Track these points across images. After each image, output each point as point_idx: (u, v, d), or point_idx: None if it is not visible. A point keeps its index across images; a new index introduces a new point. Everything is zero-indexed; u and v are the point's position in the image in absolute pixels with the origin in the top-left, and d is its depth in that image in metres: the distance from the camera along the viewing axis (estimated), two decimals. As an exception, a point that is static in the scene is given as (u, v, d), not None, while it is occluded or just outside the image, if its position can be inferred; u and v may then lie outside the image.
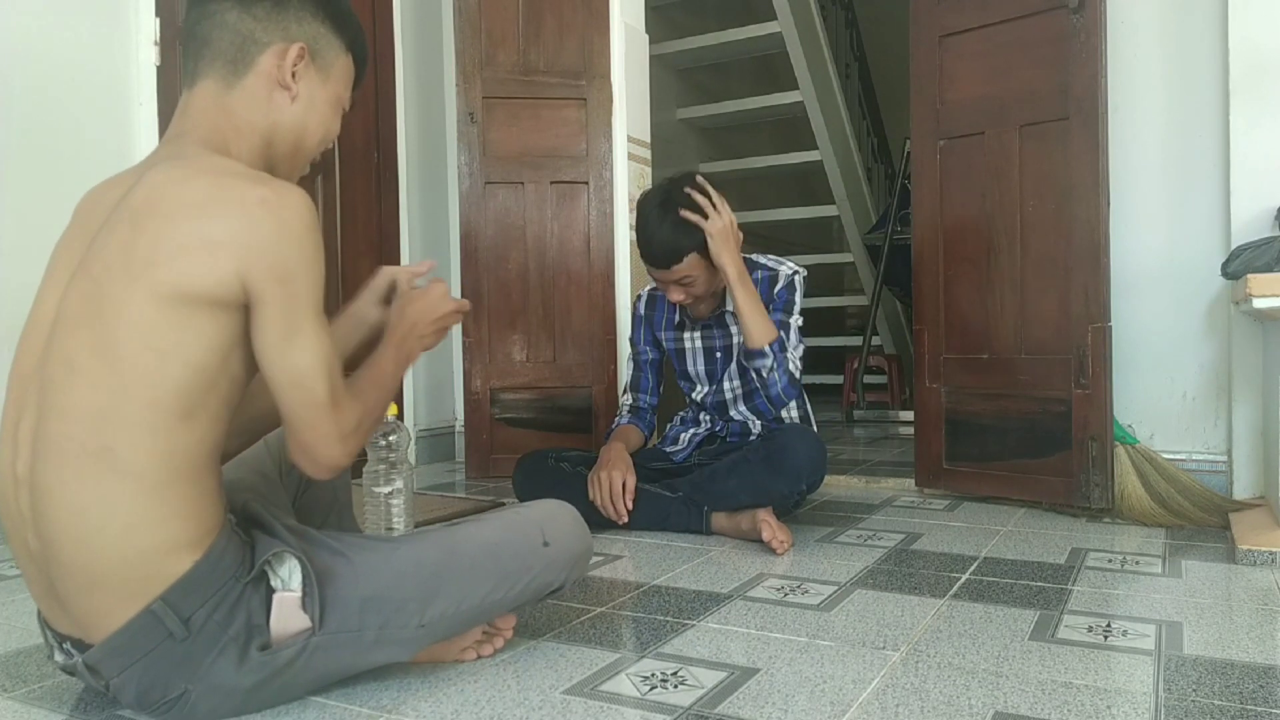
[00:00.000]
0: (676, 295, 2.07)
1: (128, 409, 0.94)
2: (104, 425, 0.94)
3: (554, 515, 1.27)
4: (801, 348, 2.13)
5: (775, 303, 2.13)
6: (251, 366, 1.02)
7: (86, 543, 0.95)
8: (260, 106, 1.09)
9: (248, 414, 1.18)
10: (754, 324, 1.99)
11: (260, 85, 1.09)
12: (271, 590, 1.03)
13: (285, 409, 1.00)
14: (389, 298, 1.32)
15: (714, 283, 2.08)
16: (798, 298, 2.14)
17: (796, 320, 2.13)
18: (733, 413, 2.22)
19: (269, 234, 0.96)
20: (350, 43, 1.16)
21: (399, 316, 1.22)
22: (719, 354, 2.21)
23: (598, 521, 1.98)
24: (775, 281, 2.14)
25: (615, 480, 2.03)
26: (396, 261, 3.17)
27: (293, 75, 1.10)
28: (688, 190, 2.00)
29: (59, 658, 1.05)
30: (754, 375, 2.04)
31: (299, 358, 0.98)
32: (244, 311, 0.98)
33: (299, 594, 1.03)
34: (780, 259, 2.20)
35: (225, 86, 1.08)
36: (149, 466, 0.95)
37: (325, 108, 1.15)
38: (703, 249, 2.00)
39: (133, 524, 0.95)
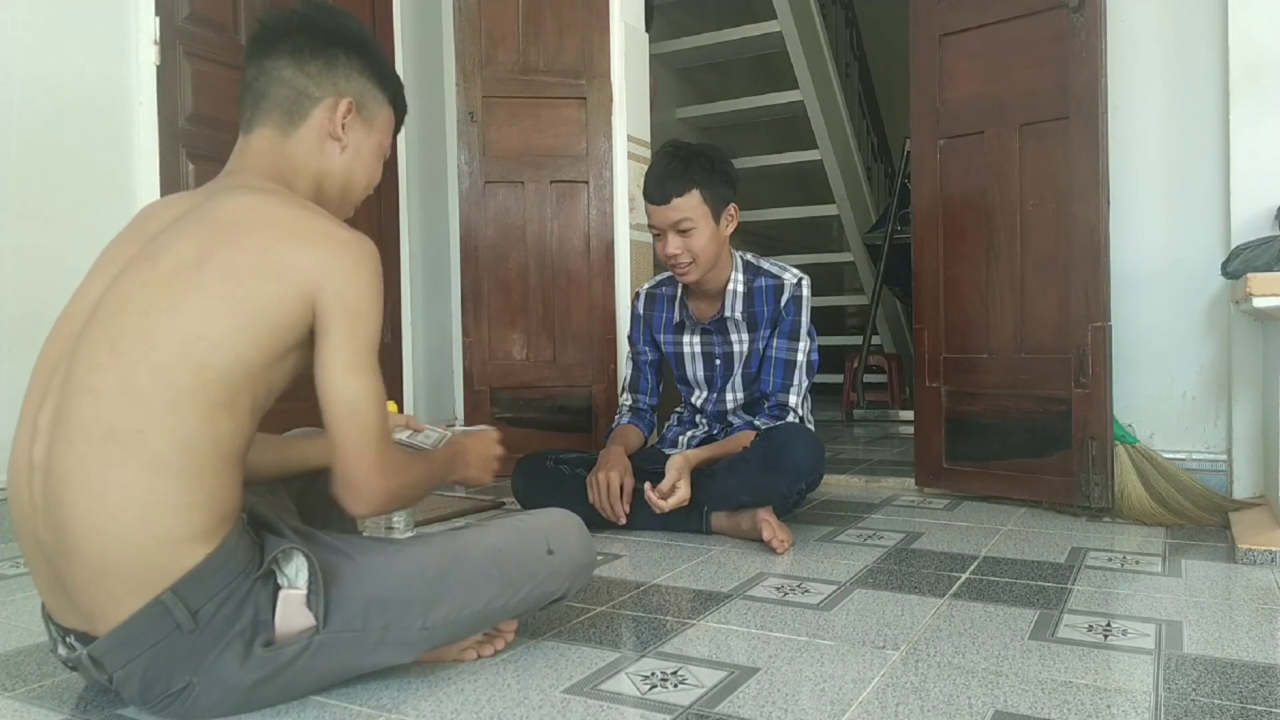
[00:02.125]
0: (674, 247, 2.02)
1: (164, 394, 0.96)
2: (136, 407, 0.95)
3: (559, 524, 1.28)
4: (808, 381, 2.12)
5: (781, 322, 2.10)
6: (284, 382, 1.07)
7: (101, 529, 0.95)
8: (313, 154, 1.19)
9: (283, 460, 1.29)
10: (735, 454, 2.01)
11: (313, 135, 1.18)
12: (278, 587, 1.04)
13: (337, 437, 1.04)
14: None
15: (715, 251, 2.05)
16: (804, 318, 2.11)
17: (805, 350, 2.10)
18: (732, 419, 2.22)
19: (348, 271, 1.04)
20: (393, 97, 1.27)
21: (457, 445, 1.34)
22: (719, 360, 2.20)
23: (598, 522, 1.98)
24: (780, 292, 2.11)
25: (613, 482, 2.03)
26: (396, 261, 3.18)
27: (342, 127, 1.19)
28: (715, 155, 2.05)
29: (62, 651, 1.06)
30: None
31: (358, 386, 1.04)
32: (302, 332, 1.04)
33: (304, 592, 1.04)
34: (783, 265, 2.17)
35: (282, 135, 1.18)
36: (176, 453, 0.96)
37: (370, 156, 1.25)
38: (707, 193, 2.00)
39: (150, 511, 0.96)
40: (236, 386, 1.00)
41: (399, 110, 1.29)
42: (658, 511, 1.94)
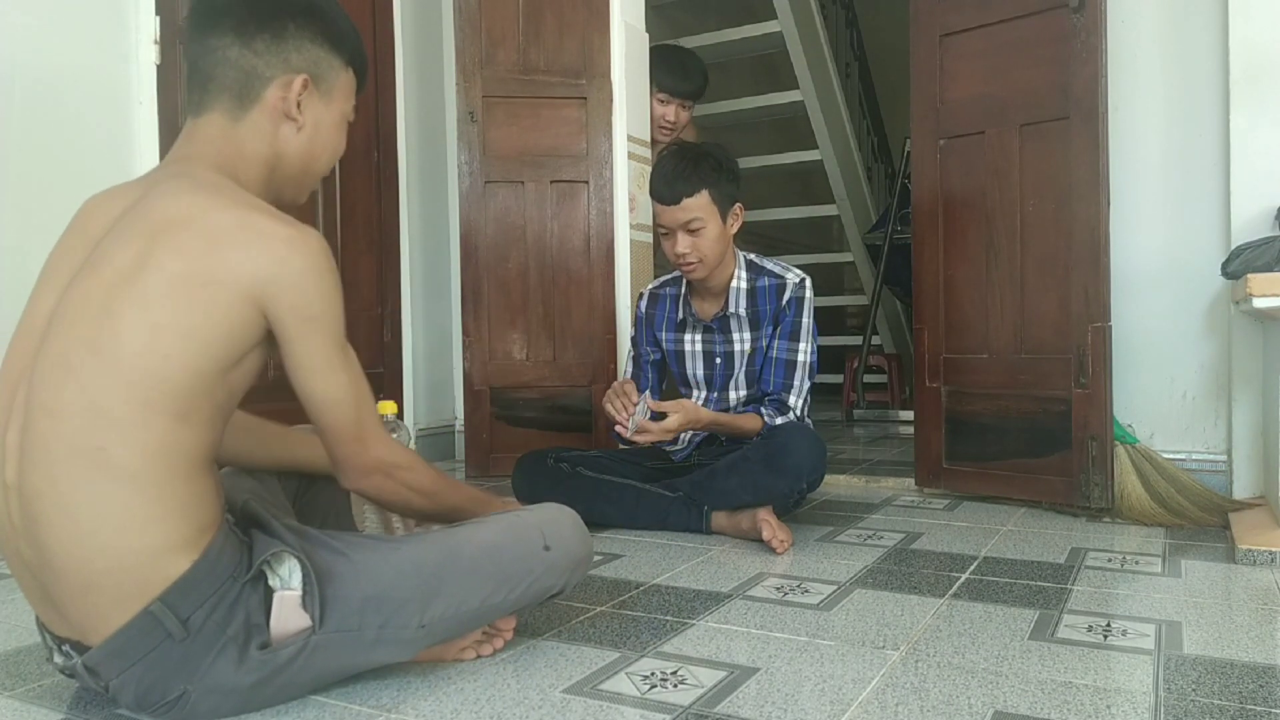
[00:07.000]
0: (683, 246, 2.04)
1: (122, 408, 0.94)
2: (96, 423, 0.94)
3: (555, 519, 1.27)
4: (810, 384, 2.13)
5: (783, 322, 2.11)
6: (250, 381, 1.05)
7: (80, 545, 0.94)
8: (267, 138, 1.12)
9: (274, 456, 1.29)
10: (739, 432, 2.07)
11: (266, 118, 1.12)
12: (270, 590, 1.03)
13: (321, 425, 1.07)
14: None
15: (721, 250, 2.07)
16: (806, 319, 2.12)
17: (806, 351, 2.11)
18: (736, 417, 2.22)
19: (295, 272, 1.00)
20: (350, 57, 1.18)
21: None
22: (719, 359, 2.20)
23: (598, 524, 1.98)
24: (782, 290, 2.12)
25: (617, 389, 2.03)
26: (396, 261, 3.18)
27: (298, 106, 1.12)
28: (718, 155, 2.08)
29: (58, 660, 1.05)
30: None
31: (333, 384, 1.05)
32: (256, 334, 1.01)
33: (299, 592, 1.03)
34: (786, 265, 2.18)
35: (232, 120, 1.11)
36: (142, 466, 0.95)
37: (331, 129, 1.18)
38: (715, 193, 2.03)
39: (126, 525, 0.95)
40: (193, 395, 0.97)
41: (359, 69, 1.20)
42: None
